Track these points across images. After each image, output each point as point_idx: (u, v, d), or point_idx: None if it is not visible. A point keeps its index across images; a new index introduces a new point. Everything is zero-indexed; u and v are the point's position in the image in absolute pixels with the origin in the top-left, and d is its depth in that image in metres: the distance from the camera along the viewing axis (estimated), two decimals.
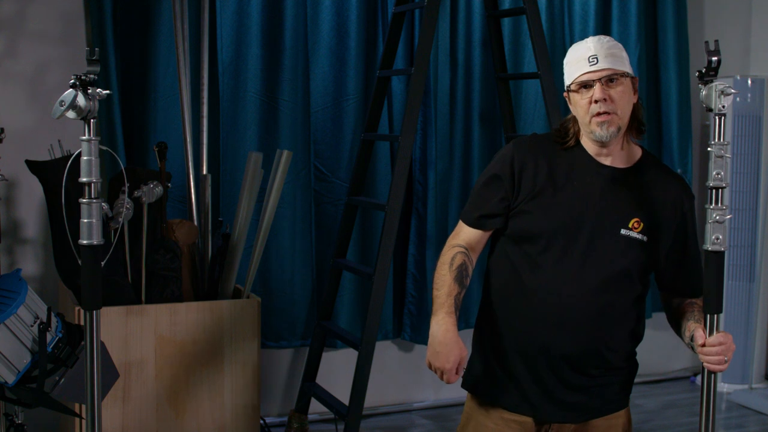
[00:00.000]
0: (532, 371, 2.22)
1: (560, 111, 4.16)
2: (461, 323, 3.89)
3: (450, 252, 2.25)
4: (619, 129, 2.17)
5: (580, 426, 2.27)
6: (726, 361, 2.06)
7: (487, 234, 2.28)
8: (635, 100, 2.21)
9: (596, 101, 2.13)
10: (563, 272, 2.17)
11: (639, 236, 2.18)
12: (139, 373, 3.29)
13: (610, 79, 2.13)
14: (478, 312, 2.38)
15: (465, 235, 2.29)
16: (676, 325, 2.26)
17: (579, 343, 2.18)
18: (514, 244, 2.23)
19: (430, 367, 2.17)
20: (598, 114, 2.13)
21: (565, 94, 2.24)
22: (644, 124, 2.26)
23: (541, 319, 2.18)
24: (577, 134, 2.25)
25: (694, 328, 2.13)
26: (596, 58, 2.13)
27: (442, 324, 2.15)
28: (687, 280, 2.28)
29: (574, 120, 2.24)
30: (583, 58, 2.15)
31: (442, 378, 2.14)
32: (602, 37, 2.21)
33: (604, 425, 2.29)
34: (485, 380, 2.30)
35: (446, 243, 2.30)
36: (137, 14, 3.89)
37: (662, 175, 2.27)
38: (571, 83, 2.18)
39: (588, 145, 2.23)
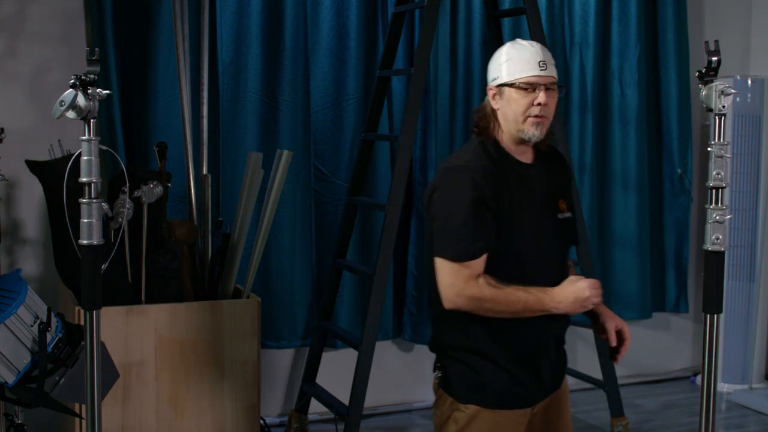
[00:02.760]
0: (531, 363, 2.30)
1: (560, 110, 4.16)
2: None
3: (475, 287, 2.18)
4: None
5: (549, 399, 2.38)
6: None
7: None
8: None
9: (539, 104, 2.22)
10: (541, 269, 2.29)
11: (569, 215, 2.36)
12: (139, 373, 3.29)
13: (549, 88, 2.25)
14: (452, 329, 2.33)
15: (471, 270, 2.19)
16: None
17: (564, 320, 2.35)
18: (494, 257, 2.22)
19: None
20: (536, 116, 2.23)
21: (492, 87, 2.29)
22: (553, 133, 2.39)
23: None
24: (494, 132, 2.30)
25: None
26: (545, 64, 2.25)
27: (552, 293, 2.20)
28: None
29: (492, 117, 2.29)
30: (533, 61, 2.25)
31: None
32: (541, 45, 2.32)
33: (561, 390, 2.42)
34: (484, 387, 2.30)
35: (452, 291, 2.19)
36: (137, 14, 3.89)
37: (550, 154, 2.42)
38: (517, 80, 2.24)
39: (508, 145, 2.31)
